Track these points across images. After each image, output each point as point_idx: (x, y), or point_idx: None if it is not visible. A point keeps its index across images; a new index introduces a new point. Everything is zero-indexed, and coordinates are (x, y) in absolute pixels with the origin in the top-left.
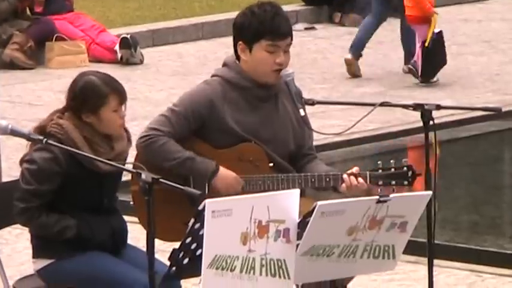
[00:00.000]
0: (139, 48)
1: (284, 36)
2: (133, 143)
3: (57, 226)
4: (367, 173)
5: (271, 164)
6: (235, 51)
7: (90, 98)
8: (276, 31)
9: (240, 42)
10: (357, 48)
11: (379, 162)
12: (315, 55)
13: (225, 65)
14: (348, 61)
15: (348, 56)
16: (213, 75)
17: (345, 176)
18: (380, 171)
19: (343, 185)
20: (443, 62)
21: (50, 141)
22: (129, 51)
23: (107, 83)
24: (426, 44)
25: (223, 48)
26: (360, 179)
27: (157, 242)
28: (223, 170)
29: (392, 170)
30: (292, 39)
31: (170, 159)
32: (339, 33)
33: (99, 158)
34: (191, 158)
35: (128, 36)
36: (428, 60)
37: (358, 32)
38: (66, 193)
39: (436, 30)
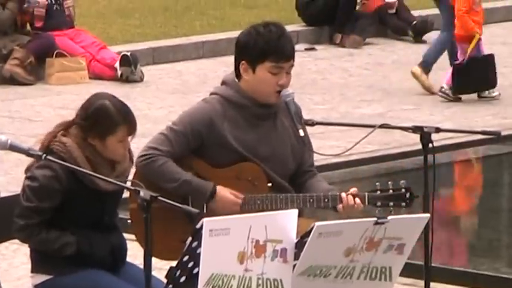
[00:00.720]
0: (139, 65)
1: (288, 58)
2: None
3: (58, 243)
4: (366, 194)
5: (269, 184)
6: (236, 69)
7: (100, 124)
8: (281, 52)
9: (243, 61)
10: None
11: (377, 184)
12: (314, 75)
13: (224, 83)
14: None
15: (415, 69)
16: (212, 93)
17: (343, 194)
18: (378, 192)
19: (340, 205)
20: (487, 83)
21: (49, 157)
22: (129, 68)
23: (120, 112)
24: (463, 61)
25: (223, 66)
26: (357, 200)
27: (154, 259)
28: (220, 191)
29: (391, 191)
30: (294, 61)
31: (168, 180)
32: (339, 54)
33: (99, 176)
34: (189, 180)
35: (129, 53)
36: (462, 76)
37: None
38: (67, 210)
39: (486, 52)
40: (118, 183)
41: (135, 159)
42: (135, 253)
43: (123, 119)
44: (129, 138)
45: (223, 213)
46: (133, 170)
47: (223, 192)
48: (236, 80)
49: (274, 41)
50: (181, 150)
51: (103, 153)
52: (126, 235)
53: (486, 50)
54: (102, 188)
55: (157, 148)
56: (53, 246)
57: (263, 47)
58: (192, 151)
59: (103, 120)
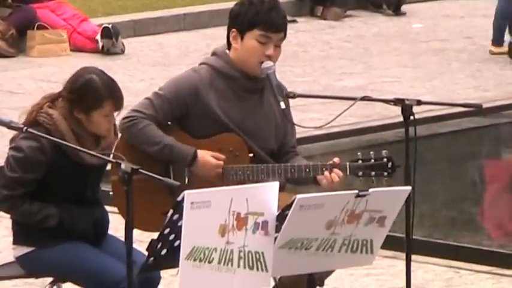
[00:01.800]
0: (120, 38)
1: (277, 29)
2: None
3: (40, 214)
4: (347, 163)
5: (251, 155)
6: (228, 39)
7: (87, 98)
8: (270, 23)
9: (234, 29)
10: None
11: (358, 154)
12: (296, 48)
13: (214, 54)
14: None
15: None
16: (201, 63)
17: (325, 173)
18: (360, 162)
19: (324, 180)
20: None
21: (31, 130)
22: (110, 41)
23: (107, 87)
24: None
25: (204, 39)
26: (336, 172)
27: (135, 232)
28: (202, 155)
29: (372, 161)
30: (285, 36)
31: (150, 143)
32: (320, 26)
33: (84, 149)
34: (170, 144)
35: (110, 26)
36: None
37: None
38: (50, 183)
39: None
40: (99, 155)
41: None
42: (116, 226)
43: (109, 94)
44: (115, 113)
45: (206, 176)
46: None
47: (205, 155)
48: (227, 52)
49: (265, 12)
50: (165, 115)
51: (88, 127)
52: (107, 208)
53: (467, 22)
54: (86, 161)
55: (141, 111)
56: (36, 217)
57: (253, 16)
58: (177, 119)
59: (89, 95)
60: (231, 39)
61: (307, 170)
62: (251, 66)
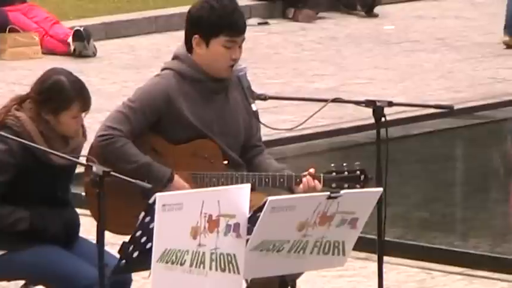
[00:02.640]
0: (92, 40)
1: (241, 32)
2: (88, 136)
3: (11, 218)
4: (321, 175)
5: (225, 162)
6: (187, 42)
7: (54, 99)
8: (235, 27)
9: (196, 36)
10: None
11: (332, 165)
12: (267, 50)
13: (176, 57)
14: (507, 42)
15: (505, 38)
16: (164, 68)
17: (304, 179)
18: (333, 174)
19: (301, 186)
20: None
21: (2, 133)
22: (82, 43)
23: (75, 88)
24: None
25: (176, 41)
26: (316, 181)
27: (107, 234)
28: (178, 179)
29: (346, 173)
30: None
31: (127, 162)
32: (292, 28)
33: (53, 151)
34: (148, 164)
35: (81, 28)
36: None
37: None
38: (20, 185)
39: None
40: (72, 158)
41: (91, 137)
42: (88, 228)
43: (77, 95)
44: (83, 114)
45: None
46: (87, 146)
47: (180, 180)
48: (189, 54)
49: (228, 16)
50: (140, 127)
51: (56, 128)
52: (79, 210)
53: (439, 23)
54: (56, 162)
55: (116, 128)
56: (6, 221)
57: (217, 22)
58: (150, 127)
59: (57, 96)
60: (193, 44)
61: (281, 180)
62: (218, 70)
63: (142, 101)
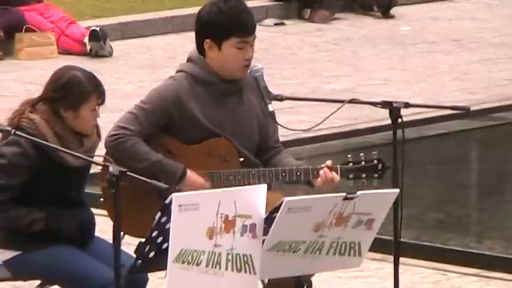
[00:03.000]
0: (108, 40)
1: (252, 31)
2: (103, 135)
3: (26, 220)
4: (338, 166)
5: (241, 159)
6: (199, 46)
7: (73, 93)
8: (245, 27)
9: (208, 39)
10: None
11: (349, 156)
12: (283, 51)
13: (190, 60)
14: None
15: None
16: (178, 71)
17: (321, 171)
18: (350, 164)
19: (319, 179)
20: None
21: (19, 132)
22: (98, 43)
23: (91, 81)
24: None
25: (192, 42)
26: (334, 173)
27: (126, 234)
28: (191, 174)
29: (363, 163)
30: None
31: (139, 161)
32: (308, 29)
33: (69, 151)
34: (159, 161)
35: (98, 28)
36: None
37: None
38: (35, 186)
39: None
40: (88, 158)
41: (104, 136)
42: (103, 228)
43: (94, 87)
44: (98, 109)
45: None
46: (102, 145)
47: (193, 175)
48: (202, 57)
49: (238, 17)
50: (150, 128)
51: (74, 125)
52: (94, 210)
53: (455, 25)
54: (70, 163)
55: (127, 128)
56: (22, 223)
57: (227, 24)
58: (162, 129)
59: (76, 89)
60: (205, 48)
61: (298, 173)
62: (233, 72)
63: (154, 102)
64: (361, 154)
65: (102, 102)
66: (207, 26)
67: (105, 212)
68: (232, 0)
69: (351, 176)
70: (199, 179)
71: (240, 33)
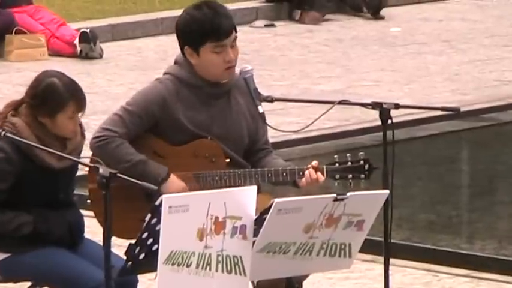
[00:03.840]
0: (98, 42)
1: (227, 33)
2: (89, 135)
3: (14, 223)
4: (324, 166)
5: (227, 160)
6: (183, 54)
7: (49, 102)
8: (217, 32)
9: (186, 47)
10: None
11: (335, 156)
12: (274, 52)
13: (176, 62)
14: None
15: None
16: (165, 73)
17: (306, 172)
18: (337, 164)
19: (303, 179)
20: None
21: (9, 135)
22: (88, 45)
23: (69, 89)
24: None
25: None
26: (319, 173)
27: (114, 236)
28: (174, 178)
29: (349, 163)
30: (236, 32)
31: (123, 161)
32: (298, 30)
33: (55, 151)
34: (143, 162)
35: (88, 30)
36: None
37: None
38: (21, 190)
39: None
40: (78, 160)
41: (88, 138)
42: (93, 230)
43: (71, 96)
44: (79, 114)
45: None
46: (87, 147)
47: (175, 178)
48: (188, 60)
49: (209, 22)
50: (135, 130)
51: (53, 130)
52: (84, 212)
53: (445, 26)
54: (55, 166)
55: (111, 129)
56: (10, 226)
57: (200, 31)
58: (148, 130)
59: (51, 98)
60: (187, 55)
61: (284, 174)
62: (216, 76)
63: (139, 104)
64: (348, 155)
65: (80, 110)
66: (183, 34)
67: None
68: (204, 7)
69: (337, 176)
70: (181, 183)
71: (213, 38)
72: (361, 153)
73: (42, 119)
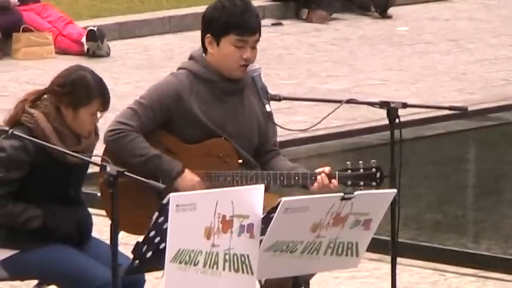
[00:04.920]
0: (106, 40)
1: (253, 32)
2: (101, 135)
3: (24, 216)
4: (336, 172)
5: (240, 161)
6: (203, 43)
7: (77, 92)
8: (244, 26)
9: (208, 34)
10: None
11: (348, 163)
12: (281, 51)
13: (191, 58)
14: None
15: None
16: (179, 68)
17: (318, 176)
18: (349, 171)
19: (315, 184)
20: None
21: (16, 133)
22: (95, 43)
23: (98, 86)
24: None
25: (189, 42)
26: (334, 181)
27: (121, 234)
28: (188, 173)
29: (361, 170)
30: (260, 36)
31: (137, 155)
32: (305, 29)
33: (67, 151)
34: (158, 156)
35: (95, 28)
36: None
37: None
38: (33, 182)
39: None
40: (86, 158)
41: (102, 133)
42: (100, 228)
43: (99, 93)
44: (99, 114)
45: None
46: (102, 145)
47: (190, 174)
48: (204, 55)
49: (238, 15)
50: (149, 124)
51: (72, 124)
52: (91, 210)
53: (452, 25)
54: (69, 160)
55: (126, 123)
56: (19, 219)
57: (227, 20)
58: (161, 126)
59: (80, 89)
60: (206, 44)
61: (296, 178)
62: (230, 70)
63: (153, 98)
64: (360, 162)
65: (105, 109)
66: (209, 21)
67: (102, 212)
68: (238, 0)
69: (349, 182)
70: (195, 178)
71: (238, 31)
72: (373, 160)
73: (65, 109)
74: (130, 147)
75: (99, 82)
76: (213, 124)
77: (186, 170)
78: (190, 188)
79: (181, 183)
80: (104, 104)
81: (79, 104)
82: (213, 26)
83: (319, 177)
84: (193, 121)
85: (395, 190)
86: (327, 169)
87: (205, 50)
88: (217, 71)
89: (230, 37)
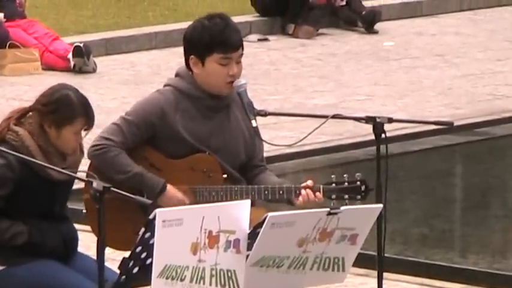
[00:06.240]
0: (92, 56)
1: (236, 47)
2: (85, 151)
3: (9, 232)
4: (321, 186)
5: (224, 176)
6: (187, 64)
7: (60, 111)
8: (227, 43)
9: (192, 56)
10: None
11: (332, 176)
12: (267, 66)
13: (177, 75)
14: None
15: None
16: (165, 85)
17: (303, 190)
18: (333, 185)
19: (300, 198)
20: None
21: (1, 148)
22: (82, 59)
23: (82, 104)
24: None
25: (176, 57)
26: (318, 194)
27: (107, 250)
28: (170, 189)
29: (346, 184)
30: (243, 50)
31: (120, 172)
32: (292, 44)
33: (52, 167)
34: (139, 174)
35: (81, 44)
36: None
37: None
38: (18, 199)
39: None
40: (72, 174)
41: (86, 150)
42: (87, 244)
43: (82, 112)
44: (84, 133)
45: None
46: (87, 161)
47: (173, 190)
48: (189, 72)
49: (220, 33)
50: (134, 140)
51: (56, 142)
52: (77, 226)
53: (438, 40)
54: (54, 177)
55: (110, 138)
56: (5, 235)
57: (209, 40)
58: (146, 141)
59: (64, 108)
60: (190, 65)
61: (281, 192)
62: (218, 88)
63: (138, 114)
64: (345, 175)
65: (89, 127)
66: (191, 43)
67: (88, 228)
68: (216, 18)
69: (333, 196)
70: (179, 194)
71: (222, 50)
72: (358, 174)
73: (48, 128)
74: (114, 163)
75: (83, 101)
76: (196, 141)
77: (169, 186)
78: (174, 203)
79: (164, 200)
80: (88, 123)
81: (62, 123)
82: (196, 47)
83: (303, 191)
84: (177, 138)
85: (381, 205)
86: (309, 182)
87: (190, 69)
88: (203, 89)
89: (214, 56)
